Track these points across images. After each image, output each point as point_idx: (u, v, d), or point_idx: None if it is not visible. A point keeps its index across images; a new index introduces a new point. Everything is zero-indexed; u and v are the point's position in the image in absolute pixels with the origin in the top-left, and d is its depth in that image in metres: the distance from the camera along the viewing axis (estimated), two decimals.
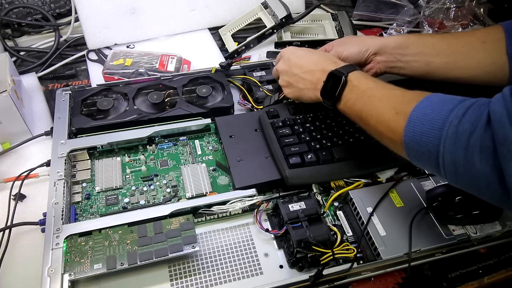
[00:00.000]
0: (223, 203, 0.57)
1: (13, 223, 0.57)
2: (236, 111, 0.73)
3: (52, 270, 0.48)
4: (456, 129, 0.39)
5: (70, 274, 0.48)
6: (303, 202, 0.56)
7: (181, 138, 0.67)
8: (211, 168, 0.64)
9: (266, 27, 0.88)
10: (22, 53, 0.88)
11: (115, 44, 0.89)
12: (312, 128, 0.63)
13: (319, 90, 0.57)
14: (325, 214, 0.58)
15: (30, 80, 0.80)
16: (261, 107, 0.71)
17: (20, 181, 0.61)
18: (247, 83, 0.76)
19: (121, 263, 0.49)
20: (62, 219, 0.53)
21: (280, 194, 0.59)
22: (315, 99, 0.59)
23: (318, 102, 0.58)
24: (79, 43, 0.90)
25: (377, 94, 0.50)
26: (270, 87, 0.74)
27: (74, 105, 0.68)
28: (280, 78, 0.65)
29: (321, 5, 1.05)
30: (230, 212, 0.58)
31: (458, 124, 0.39)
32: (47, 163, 0.62)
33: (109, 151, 0.66)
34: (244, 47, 0.88)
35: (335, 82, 0.54)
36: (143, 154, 0.65)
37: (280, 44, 0.90)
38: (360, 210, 0.57)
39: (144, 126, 0.66)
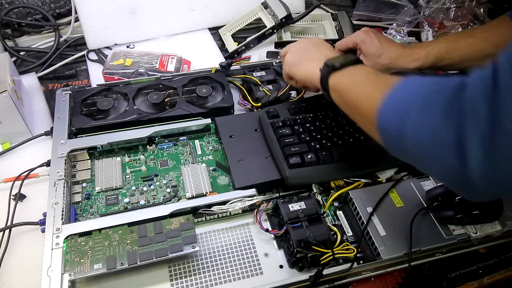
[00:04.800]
0: (223, 203, 0.57)
1: (13, 223, 0.57)
2: (236, 111, 0.73)
3: (52, 270, 0.48)
4: (427, 95, 0.38)
5: (70, 274, 0.48)
6: (303, 202, 0.56)
7: (181, 138, 0.67)
8: (211, 168, 0.64)
9: (266, 27, 0.88)
10: (22, 53, 0.88)
11: (115, 44, 0.89)
12: (312, 128, 0.63)
13: (322, 61, 0.55)
14: (325, 214, 0.58)
15: (30, 80, 0.80)
16: (259, 104, 0.71)
17: (20, 181, 0.61)
18: (247, 83, 0.76)
19: (121, 263, 0.49)
20: (62, 219, 0.53)
21: (280, 194, 0.59)
22: (316, 73, 0.57)
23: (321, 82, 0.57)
24: (79, 43, 0.90)
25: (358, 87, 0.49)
26: (270, 87, 0.74)
27: (74, 105, 0.68)
28: (287, 55, 0.64)
29: (321, 5, 1.05)
30: (230, 212, 0.58)
31: (429, 91, 0.39)
32: (47, 163, 0.62)
33: (109, 151, 0.66)
34: (244, 47, 0.88)
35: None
36: (143, 154, 0.65)
37: (280, 44, 0.90)
38: (360, 210, 0.57)
39: (144, 126, 0.66)
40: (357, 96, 0.48)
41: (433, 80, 0.39)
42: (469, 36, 0.67)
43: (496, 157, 0.33)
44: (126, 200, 0.59)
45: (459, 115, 0.35)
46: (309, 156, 0.59)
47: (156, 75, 0.76)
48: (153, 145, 0.66)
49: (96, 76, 0.82)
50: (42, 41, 0.90)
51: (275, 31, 0.89)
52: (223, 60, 0.84)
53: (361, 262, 0.54)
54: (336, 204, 0.61)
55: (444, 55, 0.66)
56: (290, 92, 0.73)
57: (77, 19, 0.85)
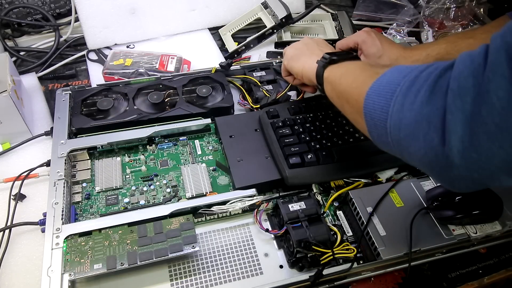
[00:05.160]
0: (223, 203, 0.57)
1: (13, 223, 0.57)
2: (236, 111, 0.73)
3: (52, 270, 0.48)
4: (416, 77, 0.38)
5: (70, 274, 0.48)
6: (303, 202, 0.56)
7: (181, 138, 0.67)
8: (211, 168, 0.64)
9: (266, 27, 0.88)
10: (22, 53, 0.88)
11: (115, 44, 0.89)
12: (312, 128, 0.63)
13: (319, 56, 0.56)
14: (325, 214, 0.58)
15: (30, 80, 0.80)
16: (258, 106, 0.71)
17: (20, 181, 0.61)
18: (247, 83, 0.76)
19: (121, 263, 0.49)
20: (62, 219, 0.53)
21: (280, 194, 0.59)
22: (313, 67, 0.58)
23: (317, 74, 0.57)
24: (79, 43, 0.90)
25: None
26: (270, 87, 0.74)
27: (74, 105, 0.68)
28: (288, 49, 0.66)
29: (321, 5, 1.05)
30: (230, 212, 0.58)
31: (419, 74, 0.38)
32: (47, 163, 0.62)
33: (109, 151, 0.66)
34: (244, 47, 0.88)
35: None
36: (143, 154, 0.65)
37: (280, 44, 0.90)
38: (360, 210, 0.57)
39: (144, 126, 0.66)
40: (348, 85, 0.48)
41: (424, 65, 0.39)
42: (469, 37, 0.66)
43: (479, 134, 0.32)
44: (126, 200, 0.59)
45: (445, 92, 0.34)
46: (309, 156, 0.59)
47: (156, 75, 0.76)
48: (153, 145, 0.66)
49: (96, 76, 0.82)
50: (42, 41, 0.90)
51: (275, 31, 0.89)
52: (223, 60, 0.84)
53: (361, 262, 0.54)
54: (336, 204, 0.61)
55: (444, 56, 0.66)
56: (289, 94, 0.73)
57: (77, 19, 0.85)
